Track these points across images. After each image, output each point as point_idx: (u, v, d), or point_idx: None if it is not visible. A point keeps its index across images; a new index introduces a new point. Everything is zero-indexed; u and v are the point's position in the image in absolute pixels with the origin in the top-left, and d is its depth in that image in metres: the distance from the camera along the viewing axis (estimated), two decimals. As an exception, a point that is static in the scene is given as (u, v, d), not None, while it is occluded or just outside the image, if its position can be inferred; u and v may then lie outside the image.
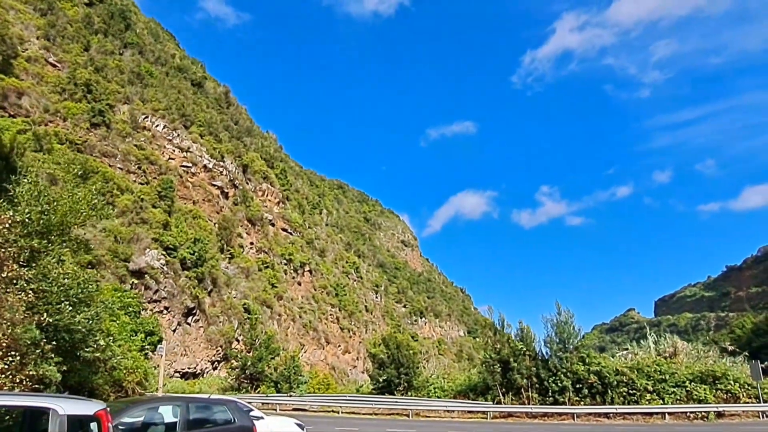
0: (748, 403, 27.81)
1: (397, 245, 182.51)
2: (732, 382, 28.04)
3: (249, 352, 38.39)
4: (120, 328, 18.82)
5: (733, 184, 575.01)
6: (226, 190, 79.62)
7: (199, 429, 8.41)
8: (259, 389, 36.09)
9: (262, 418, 12.21)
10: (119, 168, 59.54)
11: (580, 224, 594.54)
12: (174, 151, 71.57)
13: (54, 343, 11.78)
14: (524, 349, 29.48)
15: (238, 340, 49.69)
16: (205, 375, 53.26)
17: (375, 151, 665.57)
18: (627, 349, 33.33)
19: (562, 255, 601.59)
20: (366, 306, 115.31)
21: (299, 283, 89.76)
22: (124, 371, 16.89)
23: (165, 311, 51.46)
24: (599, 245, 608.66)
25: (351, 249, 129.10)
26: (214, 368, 55.98)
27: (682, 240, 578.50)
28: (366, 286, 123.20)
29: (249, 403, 32.59)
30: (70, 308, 12.20)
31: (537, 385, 29.08)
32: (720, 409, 26.89)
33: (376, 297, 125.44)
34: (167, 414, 8.27)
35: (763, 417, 27.07)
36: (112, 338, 15.66)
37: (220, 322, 59.85)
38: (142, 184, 60.96)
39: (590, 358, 28.76)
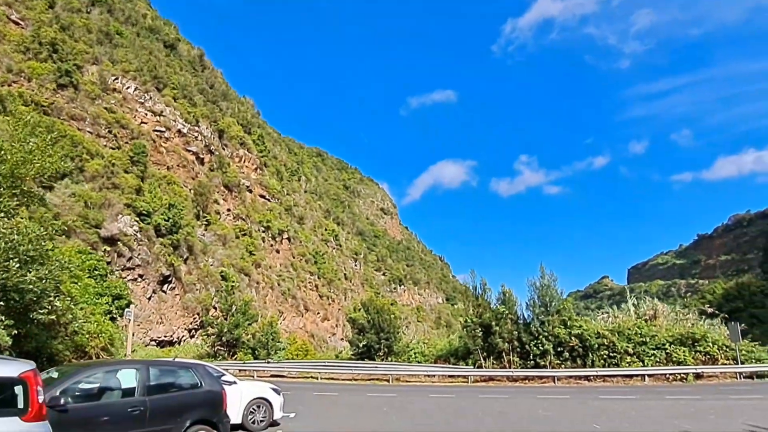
0: (726, 364, 28.07)
1: (377, 213, 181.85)
2: (711, 344, 28.25)
3: (225, 319, 37.59)
4: (82, 290, 17.79)
5: (707, 155, 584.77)
6: (201, 156, 77.51)
7: (162, 394, 7.62)
8: (236, 356, 35.46)
9: (234, 383, 11.46)
10: (89, 132, 57.12)
11: (558, 193, 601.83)
12: (146, 114, 69.02)
13: (2, 303, 10.82)
14: (506, 312, 29.20)
15: (215, 308, 48.87)
16: (182, 343, 52.47)
17: (355, 119, 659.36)
18: (608, 312, 33.32)
19: (540, 224, 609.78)
20: (345, 274, 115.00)
21: (277, 251, 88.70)
22: (87, 336, 15.96)
23: (140, 279, 50.18)
24: (575, 214, 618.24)
25: (330, 216, 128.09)
26: (192, 336, 55.14)
27: (656, 209, 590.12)
28: (345, 253, 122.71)
29: (226, 370, 32.13)
30: (18, 266, 11.16)
31: (518, 349, 28.93)
32: (699, 371, 27.06)
33: (356, 265, 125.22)
34: (126, 378, 7.46)
35: (740, 378, 27.34)
36: (72, 301, 14.66)
37: (196, 289, 58.77)
38: (113, 148, 58.68)
39: (572, 322, 28.63)
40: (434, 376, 29.13)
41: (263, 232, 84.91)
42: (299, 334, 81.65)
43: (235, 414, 11.18)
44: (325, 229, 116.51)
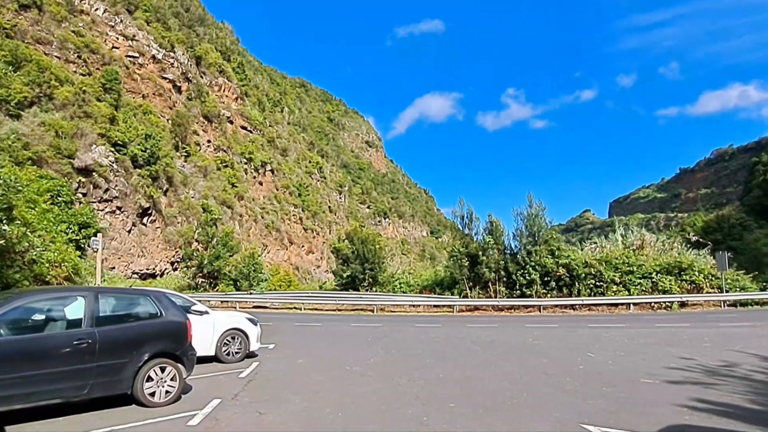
0: (710, 293, 28.19)
1: (362, 146, 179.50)
2: (697, 273, 28.26)
3: (206, 250, 36.77)
4: (39, 216, 16.61)
5: (692, 89, 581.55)
6: (178, 84, 74.34)
7: (114, 325, 6.71)
8: (217, 288, 34.92)
9: (206, 312, 10.64)
10: (56, 57, 53.86)
11: (544, 127, 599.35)
12: (118, 38, 65.26)
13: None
14: (493, 242, 28.69)
15: (198, 241, 48.08)
16: (165, 276, 51.99)
17: (339, 49, 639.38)
18: (595, 242, 33.05)
19: (525, 158, 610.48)
20: (330, 206, 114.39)
21: (260, 183, 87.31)
22: (47, 265, 14.94)
23: (118, 211, 48.88)
24: (560, 149, 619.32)
25: (314, 149, 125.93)
26: (174, 269, 54.58)
27: (640, 143, 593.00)
28: (329, 186, 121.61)
29: (207, 301, 31.61)
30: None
31: (505, 279, 28.66)
32: (683, 299, 27.11)
33: (340, 197, 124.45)
34: (72, 307, 6.52)
35: (724, 306, 27.48)
36: (28, 227, 13.54)
37: (178, 222, 57.74)
38: (83, 75, 55.62)
39: (560, 252, 28.25)
40: (419, 306, 28.90)
41: (245, 164, 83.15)
42: (284, 267, 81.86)
43: (207, 346, 10.47)
44: (309, 162, 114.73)
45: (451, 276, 29.92)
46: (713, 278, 28.50)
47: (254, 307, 30.66)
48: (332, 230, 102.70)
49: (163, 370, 6.93)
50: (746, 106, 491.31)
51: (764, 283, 30.82)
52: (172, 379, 7.01)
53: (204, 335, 10.28)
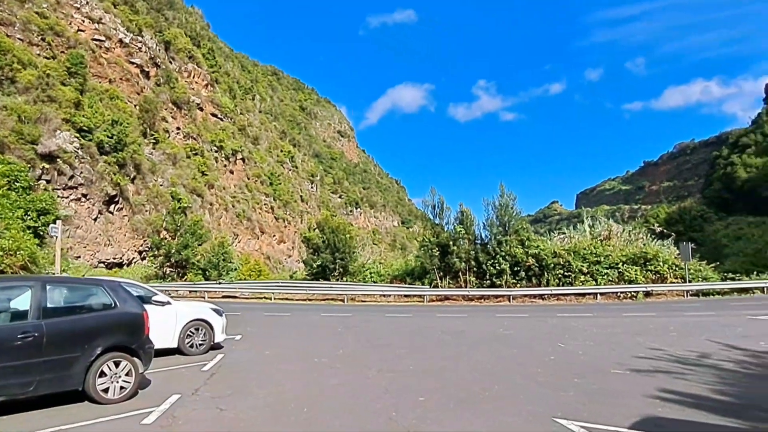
0: (674, 283, 28.76)
1: (334, 135, 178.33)
2: (661, 264, 28.78)
3: (174, 239, 35.90)
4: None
5: (657, 84, 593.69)
6: (146, 69, 72.31)
7: (64, 317, 6.28)
8: (185, 277, 34.17)
9: (168, 303, 10.21)
10: (19, 39, 51.72)
11: (513, 120, 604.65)
12: (83, 21, 63.05)
13: None
14: (463, 232, 28.67)
15: (167, 230, 47.00)
16: (132, 265, 50.79)
17: (312, 38, 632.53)
18: (564, 233, 33.37)
19: (495, 149, 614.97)
20: (301, 196, 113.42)
21: (231, 172, 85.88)
22: (1, 253, 14.21)
23: (84, 198, 47.44)
24: (530, 141, 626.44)
25: (286, 138, 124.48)
26: (143, 258, 53.32)
27: (607, 137, 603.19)
28: (301, 175, 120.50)
29: (175, 291, 30.91)
30: None
31: (475, 269, 28.70)
32: (648, 289, 27.58)
33: (312, 187, 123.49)
34: (16, 298, 6.09)
35: (687, 295, 28.08)
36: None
37: (146, 210, 56.37)
38: (47, 58, 53.57)
39: (530, 242, 28.40)
40: (390, 295, 28.77)
41: (216, 152, 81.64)
42: (254, 257, 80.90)
43: (170, 338, 10.06)
44: (281, 151, 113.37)
45: (422, 266, 29.86)
46: (677, 268, 29.08)
47: (224, 297, 30.15)
48: (304, 220, 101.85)
49: (117, 364, 6.53)
50: (708, 101, 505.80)
51: (725, 273, 31.60)
52: (127, 374, 6.61)
53: (166, 327, 9.88)
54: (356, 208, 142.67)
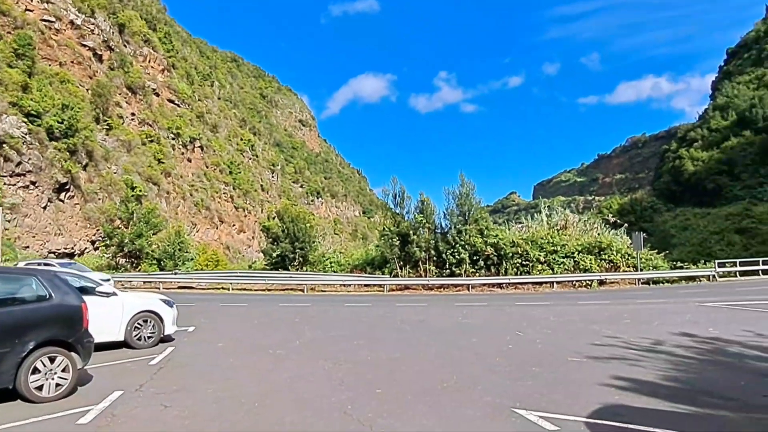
0: (626, 271, 29.52)
1: (295, 124, 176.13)
2: (615, 253, 29.44)
3: (127, 228, 34.72)
4: None
5: (610, 79, 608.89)
6: (99, 52, 69.68)
7: (-9, 310, 5.81)
8: (140, 267, 33.13)
9: (114, 294, 9.73)
10: (-40, 18, 49.19)
11: (474, 111, 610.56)
12: (32, 1, 60.19)
13: None
14: (424, 221, 28.68)
15: (120, 218, 45.53)
16: (84, 255, 49.03)
17: (272, 25, 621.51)
18: (522, 222, 33.81)
19: (455, 141, 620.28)
20: (262, 185, 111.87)
21: (189, 160, 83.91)
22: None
23: (32, 186, 45.47)
24: (489, 132, 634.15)
25: (246, 126, 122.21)
26: (96, 248, 51.56)
27: (563, 129, 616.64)
28: (262, 164, 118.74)
29: (128, 282, 29.93)
30: None
31: (435, 258, 28.77)
32: (602, 278, 28.23)
33: (273, 176, 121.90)
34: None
35: (638, 284, 28.84)
36: None
37: (99, 199, 54.47)
38: (-8, 39, 51.04)
39: (489, 231, 28.62)
40: (350, 285, 28.56)
41: (173, 139, 79.55)
42: (213, 246, 79.40)
43: (116, 330, 9.57)
44: (241, 139, 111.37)
45: (382, 255, 29.78)
46: (629, 257, 29.83)
47: (180, 287, 29.37)
48: (264, 209, 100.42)
49: (52, 360, 6.07)
50: (658, 96, 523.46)
51: (673, 262, 32.63)
52: (63, 371, 6.15)
53: (111, 319, 9.40)
54: (317, 198, 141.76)
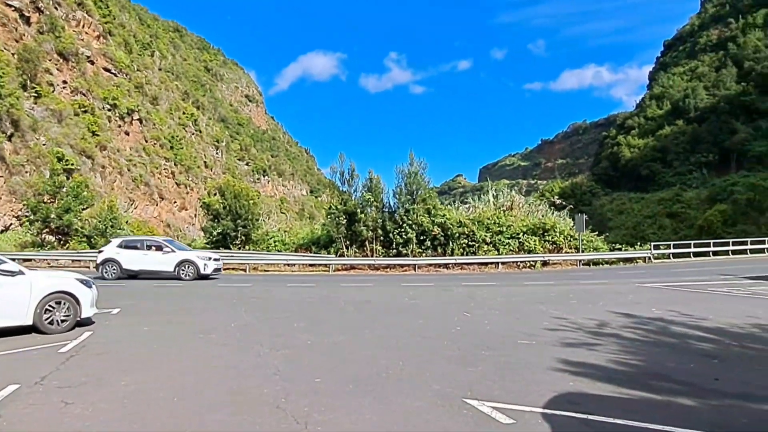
0: (569, 253, 30.11)
1: (241, 100, 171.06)
2: (558, 234, 29.95)
3: (53, 202, 32.41)
4: None
5: (555, 66, 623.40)
6: (27, 14, 64.78)
7: None
8: (68, 245, 31.06)
9: (20, 272, 8.64)
10: None
11: (422, 93, 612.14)
12: (-55, -47, 55.15)
13: None
14: (372, 200, 28.13)
15: (48, 192, 42.72)
16: (8, 231, 45.92)
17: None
18: (469, 203, 33.86)
19: (404, 122, 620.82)
20: (206, 162, 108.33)
21: (127, 133, 79.91)
22: None
23: (-52, 156, 42.07)
24: (437, 115, 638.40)
25: (189, 99, 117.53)
26: (22, 224, 48.42)
27: (509, 114, 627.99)
28: (206, 140, 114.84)
29: (55, 260, 28.01)
30: None
31: (382, 238, 28.34)
32: (546, 259, 28.64)
33: (217, 153, 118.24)
34: None
35: (579, 264, 29.47)
36: None
37: (26, 172, 50.98)
38: None
39: (436, 211, 28.41)
40: (294, 264, 27.79)
41: (109, 110, 75.43)
42: (153, 224, 76.38)
43: (22, 313, 8.48)
44: (183, 113, 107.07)
45: (328, 234, 29.10)
46: (571, 239, 30.46)
47: (111, 266, 27.72)
48: (208, 186, 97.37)
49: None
50: (599, 85, 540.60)
51: (612, 244, 33.67)
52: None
53: (17, 300, 8.34)
54: (264, 176, 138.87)
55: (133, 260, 20.77)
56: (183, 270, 20.35)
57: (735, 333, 9.09)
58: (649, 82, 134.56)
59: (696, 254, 33.75)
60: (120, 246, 21.12)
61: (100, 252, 21.81)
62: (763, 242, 36.22)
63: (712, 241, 35.68)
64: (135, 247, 21.21)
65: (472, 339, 8.55)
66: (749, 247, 35.28)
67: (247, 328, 9.65)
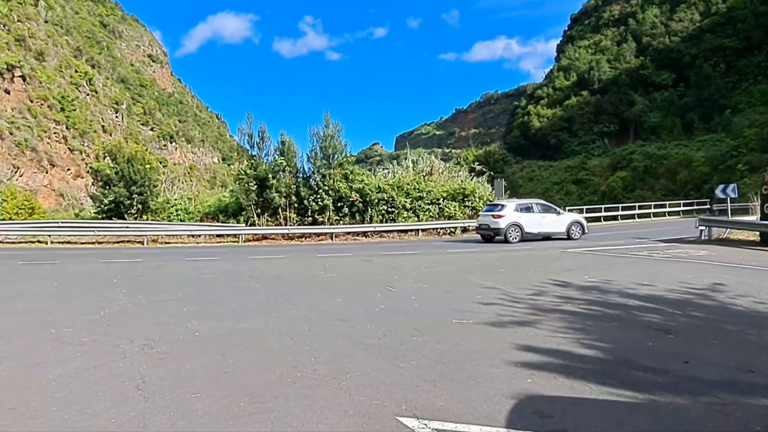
0: (489, 218, 29.81)
1: (143, 60, 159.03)
2: (478, 199, 29.53)
3: None
4: None
5: (468, 38, 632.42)
6: None
7: None
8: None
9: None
10: None
11: (338, 60, 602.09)
12: None
13: None
14: (284, 164, 26.08)
15: None
16: None
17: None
18: (387, 168, 32.65)
19: (320, 89, 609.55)
20: (104, 126, 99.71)
21: (7, 91, 71.47)
22: None
23: None
24: (353, 83, 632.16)
25: (82, 56, 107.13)
26: None
27: (424, 84, 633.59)
28: (103, 102, 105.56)
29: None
30: None
31: (296, 205, 26.49)
32: (465, 225, 28.10)
33: (117, 116, 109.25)
34: None
35: (498, 231, 29.23)
36: None
37: None
38: None
39: (354, 176, 26.90)
40: (200, 235, 25.38)
41: (-17, 65, 66.85)
42: (44, 193, 69.57)
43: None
44: (76, 71, 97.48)
45: (237, 202, 26.81)
46: (491, 204, 30.23)
47: (-20, 241, 24.06)
48: (96, 149, 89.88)
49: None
50: (509, 57, 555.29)
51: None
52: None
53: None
54: (171, 143, 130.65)
55: (532, 223, 20.79)
56: (572, 230, 20.34)
57: (674, 300, 8.47)
58: (557, 54, 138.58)
59: (605, 218, 34.68)
60: (517, 210, 21.25)
61: (492, 216, 21.51)
62: (664, 206, 37.90)
63: (620, 206, 36.91)
64: (530, 210, 21.30)
65: (400, 320, 7.18)
66: (653, 210, 36.79)
67: (120, 316, 7.67)
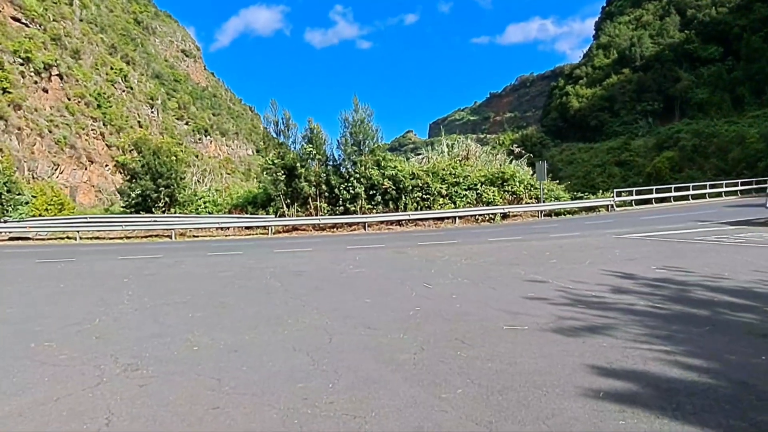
0: (529, 203, 28.27)
1: (177, 55, 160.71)
2: (518, 184, 28.11)
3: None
4: None
5: (501, 20, 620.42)
6: None
7: None
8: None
9: None
10: None
11: (369, 48, 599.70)
12: None
13: None
14: (313, 152, 24.98)
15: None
16: None
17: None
18: (421, 153, 31.32)
19: (351, 77, 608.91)
20: (140, 121, 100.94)
21: (45, 90, 72.61)
22: None
23: None
24: (385, 70, 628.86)
25: (117, 53, 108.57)
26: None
27: (457, 69, 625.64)
28: (139, 98, 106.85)
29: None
30: None
31: (327, 194, 25.43)
32: (506, 211, 26.71)
33: (152, 111, 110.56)
34: None
35: (541, 216, 27.60)
36: None
37: None
38: None
39: (386, 162, 25.63)
40: (228, 228, 24.58)
41: (21, 65, 67.99)
42: (84, 189, 70.74)
43: None
44: (111, 68, 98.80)
45: (266, 192, 25.90)
46: (532, 188, 28.70)
47: (10, 239, 23.78)
48: (121, 143, 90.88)
49: None
50: (544, 39, 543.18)
51: (573, 193, 32.11)
52: None
53: None
54: (206, 136, 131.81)
55: None
56: None
57: (765, 294, 7.04)
58: (595, 31, 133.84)
59: (657, 200, 32.57)
60: None
61: None
62: (720, 185, 35.46)
63: (672, 186, 34.59)
64: None
65: (439, 327, 5.95)
66: (708, 191, 34.40)
67: (115, 324, 6.63)
